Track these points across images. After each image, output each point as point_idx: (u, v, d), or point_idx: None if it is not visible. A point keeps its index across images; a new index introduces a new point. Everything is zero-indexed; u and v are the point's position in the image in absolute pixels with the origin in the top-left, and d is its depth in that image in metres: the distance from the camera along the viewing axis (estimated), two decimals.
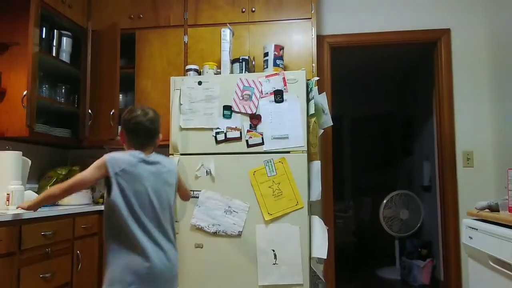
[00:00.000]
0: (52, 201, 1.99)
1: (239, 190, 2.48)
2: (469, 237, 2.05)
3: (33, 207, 1.89)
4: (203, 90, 2.55)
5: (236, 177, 2.49)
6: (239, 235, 2.44)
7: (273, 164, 2.45)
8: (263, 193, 2.44)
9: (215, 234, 2.47)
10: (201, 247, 2.49)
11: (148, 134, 1.87)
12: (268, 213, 2.42)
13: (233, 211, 2.46)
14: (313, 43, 2.94)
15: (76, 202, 2.69)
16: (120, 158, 1.79)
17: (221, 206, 2.47)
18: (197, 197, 2.50)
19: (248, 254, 2.44)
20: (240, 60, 2.73)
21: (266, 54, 2.71)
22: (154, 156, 1.88)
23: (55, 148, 3.24)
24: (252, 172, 2.46)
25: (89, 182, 1.80)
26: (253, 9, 3.01)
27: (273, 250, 2.40)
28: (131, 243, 1.74)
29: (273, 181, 2.44)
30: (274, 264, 2.39)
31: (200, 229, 2.49)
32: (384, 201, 4.50)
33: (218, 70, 2.74)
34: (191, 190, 2.44)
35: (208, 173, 2.52)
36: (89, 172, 1.78)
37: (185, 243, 2.49)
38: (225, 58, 2.69)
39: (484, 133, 3.14)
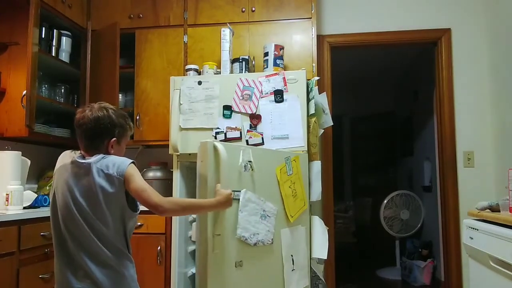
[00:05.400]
0: None
1: (267, 190, 2.12)
2: (470, 237, 2.05)
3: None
4: (203, 90, 2.54)
5: (264, 174, 2.11)
6: (272, 243, 2.09)
7: (290, 162, 2.25)
8: (286, 193, 2.20)
9: (255, 245, 2.00)
10: (241, 265, 1.94)
11: (85, 135, 1.59)
12: (290, 215, 2.21)
13: (267, 215, 2.08)
14: (313, 43, 2.94)
15: None
16: (62, 157, 1.64)
17: (257, 210, 2.04)
18: (238, 199, 1.96)
19: (277, 264, 2.13)
20: (240, 60, 2.73)
21: (266, 54, 2.71)
22: (93, 158, 1.55)
23: (55, 148, 3.22)
24: (278, 169, 2.16)
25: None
26: (253, 9, 3.01)
27: (292, 255, 2.18)
28: (58, 271, 1.54)
29: (291, 180, 2.24)
30: (293, 270, 2.18)
31: (242, 242, 1.96)
32: (385, 201, 4.50)
33: (218, 70, 2.74)
34: (233, 191, 1.82)
35: (248, 167, 2.03)
36: None
37: (224, 263, 1.88)
38: (225, 57, 2.68)
39: (484, 133, 3.13)
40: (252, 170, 2.03)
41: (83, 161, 1.56)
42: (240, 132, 2.48)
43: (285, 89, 2.47)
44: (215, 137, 2.49)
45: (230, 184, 1.83)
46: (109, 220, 1.52)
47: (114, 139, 1.61)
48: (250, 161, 2.01)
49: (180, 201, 1.65)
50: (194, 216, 2.69)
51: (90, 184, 1.51)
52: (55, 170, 1.63)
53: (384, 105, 6.16)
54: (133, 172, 1.54)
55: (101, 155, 1.57)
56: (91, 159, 1.55)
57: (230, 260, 1.90)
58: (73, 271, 1.49)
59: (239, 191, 1.96)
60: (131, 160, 1.57)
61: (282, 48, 2.73)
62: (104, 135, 1.59)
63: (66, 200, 1.52)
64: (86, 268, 1.48)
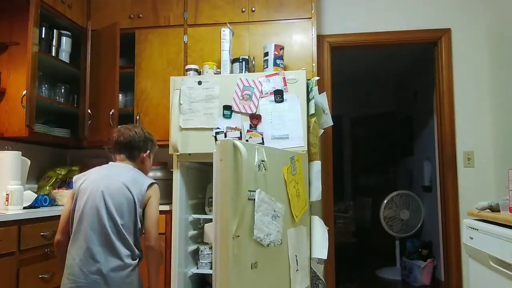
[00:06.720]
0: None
1: (275, 190, 2.07)
2: (470, 237, 2.05)
3: None
4: (203, 90, 2.54)
5: (272, 173, 2.07)
6: (280, 244, 2.05)
7: (294, 162, 2.24)
8: (292, 193, 2.18)
9: (267, 246, 1.97)
10: (256, 267, 1.90)
11: (125, 148, 1.91)
12: (295, 215, 2.19)
13: (277, 216, 2.03)
14: (313, 43, 2.94)
15: None
16: (92, 169, 1.89)
17: (269, 210, 1.99)
18: (253, 200, 1.91)
19: (284, 265, 2.11)
20: (240, 60, 2.73)
21: (266, 54, 2.71)
22: (128, 164, 1.90)
23: (55, 148, 3.23)
24: (285, 169, 2.15)
25: (67, 210, 1.81)
26: (253, 9, 3.01)
27: (296, 256, 2.17)
28: (68, 257, 1.69)
29: (295, 180, 2.23)
30: (297, 270, 2.17)
31: (257, 243, 1.92)
32: (385, 201, 4.50)
33: (218, 70, 2.73)
34: (249, 191, 1.86)
35: (261, 167, 1.98)
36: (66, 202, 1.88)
37: (241, 265, 1.83)
38: (225, 57, 2.68)
39: (484, 133, 3.14)
40: (265, 170, 1.99)
41: (119, 164, 1.88)
42: (240, 132, 2.48)
43: (285, 89, 2.47)
44: (215, 137, 2.49)
45: (247, 184, 1.83)
46: (126, 218, 1.72)
47: (148, 151, 1.96)
48: (263, 161, 1.98)
49: (160, 260, 1.85)
50: (196, 216, 2.69)
51: (119, 184, 1.75)
52: (86, 178, 1.81)
53: (384, 105, 6.16)
54: (155, 193, 1.83)
55: (135, 170, 1.89)
56: (127, 164, 1.88)
57: (247, 262, 1.85)
58: (82, 264, 1.62)
59: (254, 191, 1.91)
60: (155, 181, 1.87)
61: (282, 48, 2.73)
62: (141, 148, 1.93)
63: (94, 196, 1.71)
64: (96, 262, 1.61)
